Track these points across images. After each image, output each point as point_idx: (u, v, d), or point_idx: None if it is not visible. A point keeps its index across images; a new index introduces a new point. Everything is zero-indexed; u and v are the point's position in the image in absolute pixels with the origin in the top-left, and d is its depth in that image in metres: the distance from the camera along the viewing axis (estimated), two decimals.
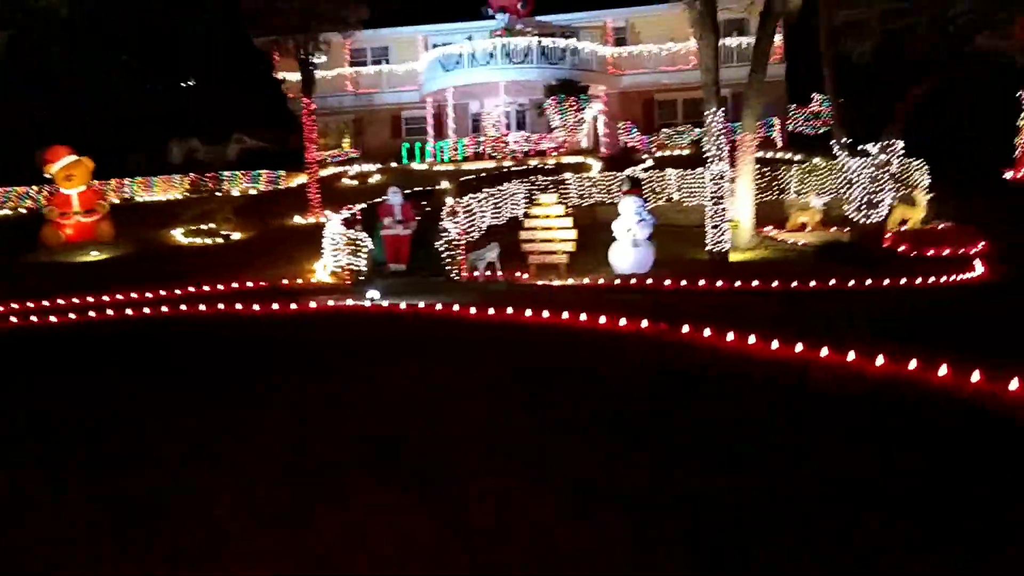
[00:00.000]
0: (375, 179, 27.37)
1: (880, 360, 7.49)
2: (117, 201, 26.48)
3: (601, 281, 16.26)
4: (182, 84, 35.48)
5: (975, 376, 6.84)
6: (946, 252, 17.94)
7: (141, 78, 36.49)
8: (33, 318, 12.00)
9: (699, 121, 29.61)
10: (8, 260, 19.31)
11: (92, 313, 12.23)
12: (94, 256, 19.47)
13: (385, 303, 12.64)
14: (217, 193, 27.20)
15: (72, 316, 12.07)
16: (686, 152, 27.85)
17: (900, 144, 18.72)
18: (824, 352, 7.91)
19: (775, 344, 8.31)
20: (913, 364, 7.30)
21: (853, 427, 5.99)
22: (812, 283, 14.40)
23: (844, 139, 19.41)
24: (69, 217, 21.12)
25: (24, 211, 26.70)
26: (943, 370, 7.06)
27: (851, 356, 7.70)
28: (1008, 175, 25.42)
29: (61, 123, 30.35)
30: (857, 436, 5.78)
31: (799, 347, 8.12)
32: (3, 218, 26.02)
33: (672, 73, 30.58)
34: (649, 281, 15.63)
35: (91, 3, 32.27)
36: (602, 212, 22.14)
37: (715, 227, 18.22)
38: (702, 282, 14.91)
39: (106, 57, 34.46)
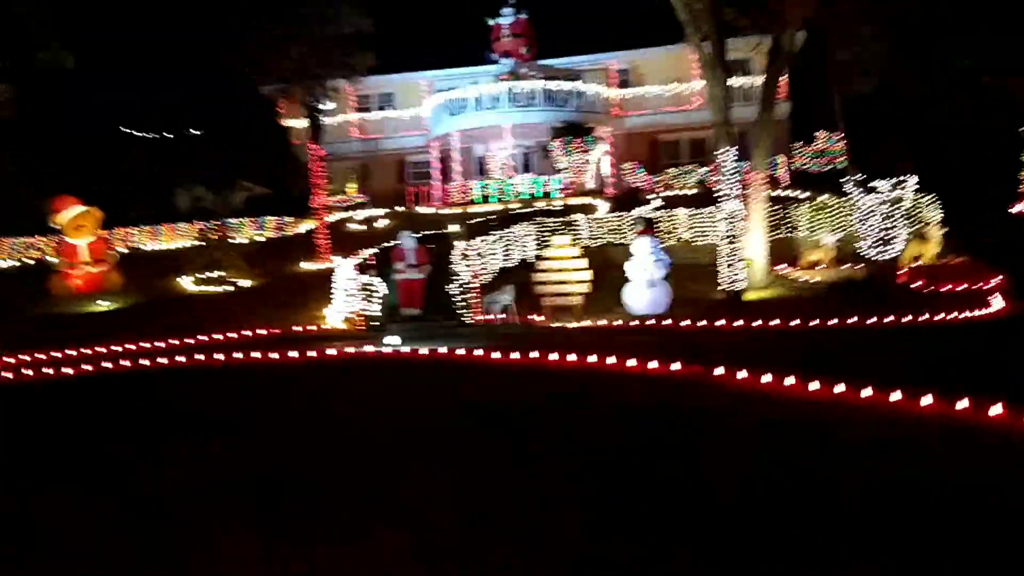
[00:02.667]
0: (382, 223, 27.35)
1: (929, 400, 7.32)
2: (124, 250, 26.36)
3: (618, 322, 16.11)
4: (187, 132, 35.62)
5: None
6: (962, 287, 17.81)
7: (146, 126, 36.72)
8: (48, 369, 11.80)
9: (704, 160, 29.79)
10: (15, 311, 19.07)
11: (109, 364, 12.04)
12: (103, 306, 19.28)
13: (405, 349, 12.47)
14: (225, 240, 27.13)
15: (88, 367, 11.87)
16: (693, 191, 27.85)
17: (913, 179, 18.74)
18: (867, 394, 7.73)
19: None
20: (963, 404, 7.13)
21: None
22: (832, 321, 14.25)
23: (857, 175, 19.42)
24: (78, 267, 20.99)
25: (31, 261, 26.54)
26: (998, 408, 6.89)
27: (896, 396, 7.52)
28: (1015, 209, 25.40)
29: (64, 173, 30.33)
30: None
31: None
32: (9, 269, 25.87)
33: (676, 113, 30.73)
34: (667, 321, 15.48)
35: (96, 54, 32.64)
36: (612, 253, 22.07)
37: (729, 266, 18.13)
38: (721, 321, 14.75)
39: (111, 108, 34.68)
